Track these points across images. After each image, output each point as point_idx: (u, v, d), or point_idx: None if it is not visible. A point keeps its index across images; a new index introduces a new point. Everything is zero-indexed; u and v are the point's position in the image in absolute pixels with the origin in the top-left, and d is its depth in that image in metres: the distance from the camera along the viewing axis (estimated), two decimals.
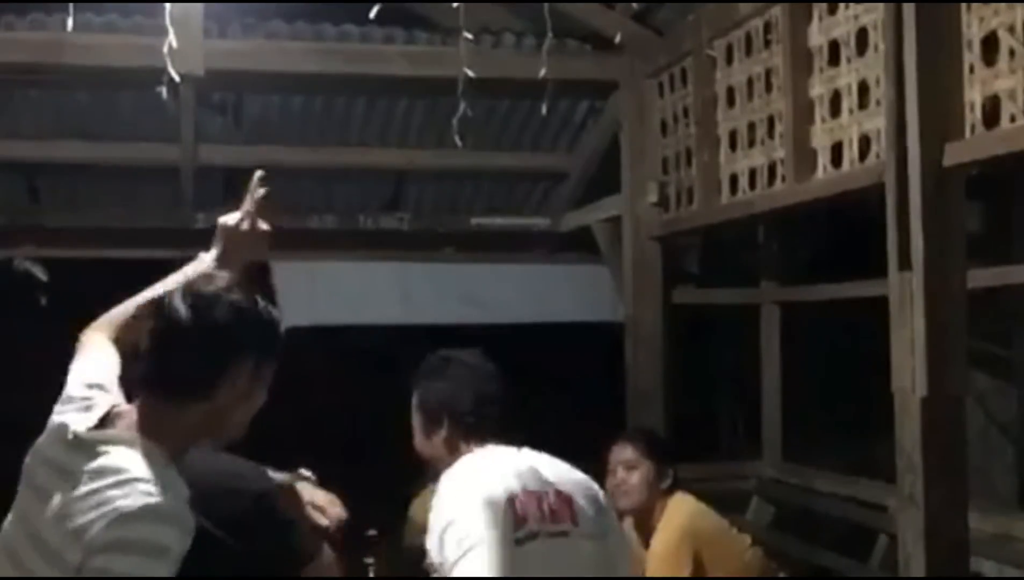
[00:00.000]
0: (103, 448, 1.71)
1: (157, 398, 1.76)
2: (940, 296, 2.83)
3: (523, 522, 2.29)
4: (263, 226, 2.15)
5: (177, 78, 4.00)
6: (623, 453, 3.55)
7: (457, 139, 4.29)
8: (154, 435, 1.73)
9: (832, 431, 6.42)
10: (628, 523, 3.62)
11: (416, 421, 2.59)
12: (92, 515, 1.62)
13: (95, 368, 1.91)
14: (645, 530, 3.52)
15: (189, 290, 1.78)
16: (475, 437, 2.50)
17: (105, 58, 4.35)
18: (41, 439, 1.82)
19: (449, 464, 2.48)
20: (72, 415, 1.79)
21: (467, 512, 2.27)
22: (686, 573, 3.40)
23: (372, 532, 3.92)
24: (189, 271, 2.09)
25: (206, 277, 1.86)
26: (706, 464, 5.62)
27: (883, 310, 2.98)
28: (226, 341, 1.77)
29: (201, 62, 4.26)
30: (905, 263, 2.88)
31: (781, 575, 4.03)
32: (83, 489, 1.65)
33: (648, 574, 3.43)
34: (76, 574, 1.61)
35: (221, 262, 2.08)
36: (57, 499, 1.68)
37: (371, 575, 3.81)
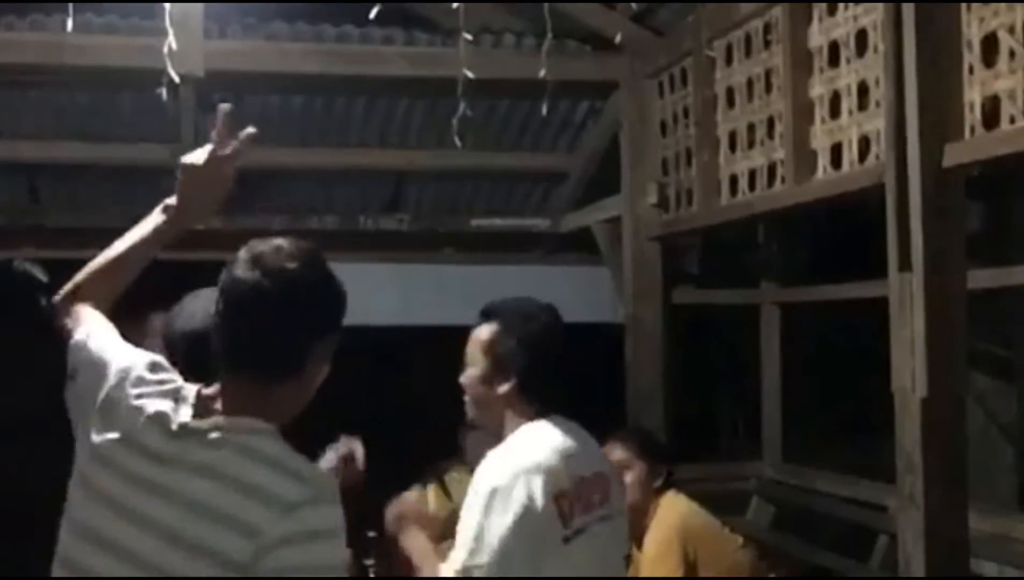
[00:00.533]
0: (219, 436, 1.64)
1: (247, 377, 1.69)
2: (940, 296, 2.83)
3: (571, 518, 2.28)
4: (227, 167, 1.96)
5: (177, 79, 4.00)
6: (614, 454, 3.50)
7: (457, 140, 4.29)
8: (259, 416, 1.67)
9: (832, 431, 6.42)
10: None
11: (480, 360, 2.43)
12: (260, 509, 1.56)
13: (134, 347, 1.85)
14: (637, 530, 3.48)
15: (258, 261, 1.69)
16: (539, 405, 2.40)
17: (105, 59, 4.34)
18: (128, 429, 1.69)
19: (498, 421, 2.40)
20: (158, 402, 1.71)
21: (517, 506, 2.21)
22: (679, 574, 3.40)
23: (372, 532, 3.92)
24: (151, 224, 2.02)
25: (263, 242, 1.74)
26: (706, 464, 5.63)
27: (883, 310, 2.98)
28: (315, 316, 1.74)
29: (201, 63, 4.26)
30: (905, 264, 2.88)
31: (772, 575, 4.03)
32: (230, 481, 1.59)
33: (641, 574, 3.43)
34: (245, 571, 1.54)
35: (181, 208, 1.98)
36: (193, 492, 1.60)
37: (371, 575, 3.81)
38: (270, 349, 1.69)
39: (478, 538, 2.21)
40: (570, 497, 2.29)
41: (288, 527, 1.56)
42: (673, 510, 3.52)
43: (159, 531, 1.60)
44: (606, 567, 2.42)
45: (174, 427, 1.67)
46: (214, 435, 1.65)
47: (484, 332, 2.45)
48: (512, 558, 2.21)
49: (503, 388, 2.40)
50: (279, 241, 1.74)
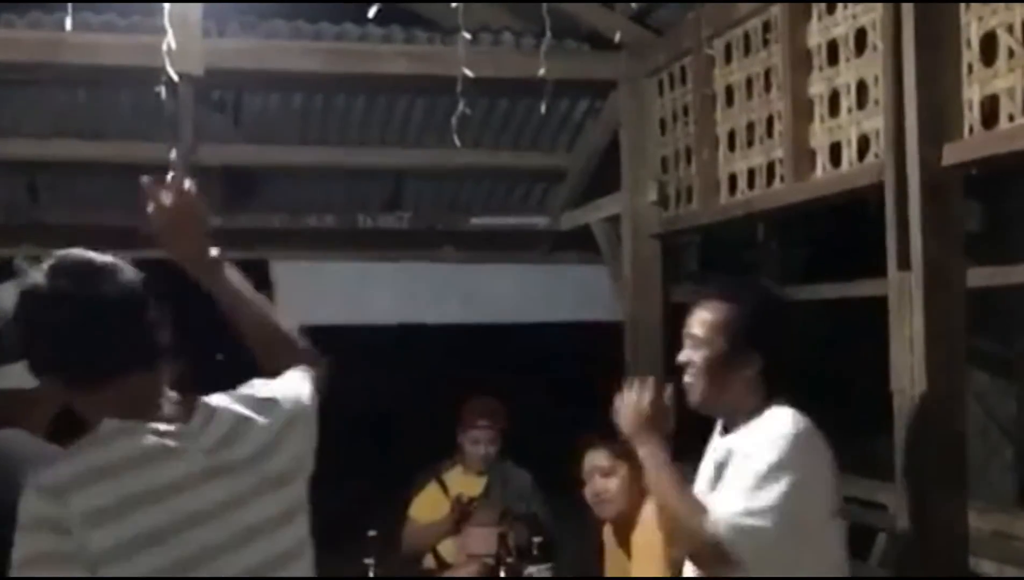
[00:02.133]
0: None
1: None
2: (939, 295, 2.83)
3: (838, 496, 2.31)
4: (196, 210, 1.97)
5: (176, 77, 4.00)
6: (599, 459, 3.47)
7: (456, 138, 4.29)
8: None
9: (831, 431, 6.41)
10: (608, 531, 3.59)
11: (716, 341, 2.33)
12: None
13: None
14: (625, 535, 3.46)
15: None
16: (776, 391, 2.33)
17: (104, 57, 4.34)
18: None
19: (734, 405, 2.33)
20: None
21: (812, 479, 2.22)
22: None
23: (372, 532, 3.92)
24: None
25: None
26: None
27: (882, 310, 2.98)
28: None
29: (200, 61, 4.26)
30: (904, 263, 2.88)
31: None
32: None
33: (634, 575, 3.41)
34: None
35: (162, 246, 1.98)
36: None
37: (371, 575, 3.82)
38: None
39: (765, 481, 2.16)
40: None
41: None
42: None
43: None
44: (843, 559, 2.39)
45: None
46: None
47: (720, 311, 2.36)
48: (792, 516, 2.17)
49: (748, 370, 2.32)
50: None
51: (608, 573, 3.63)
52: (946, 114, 2.84)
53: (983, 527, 3.54)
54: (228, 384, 1.89)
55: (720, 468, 2.36)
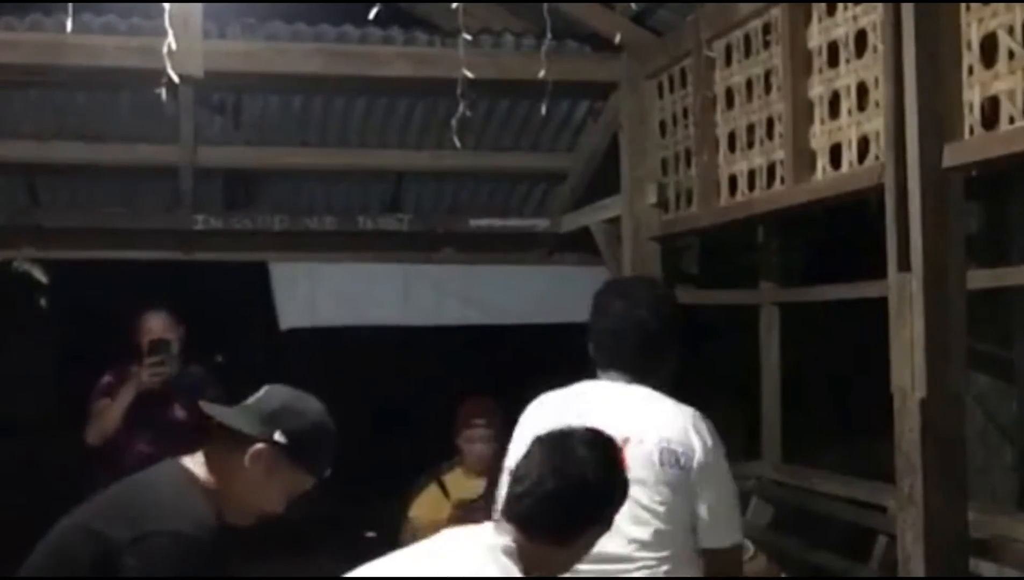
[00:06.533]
0: None
1: None
2: (940, 297, 2.83)
3: None
4: None
5: (176, 79, 4.00)
6: None
7: (456, 140, 4.29)
8: None
9: (831, 431, 6.42)
10: None
11: None
12: None
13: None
14: None
15: None
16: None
17: (104, 59, 4.34)
18: None
19: None
20: None
21: None
22: None
23: (371, 534, 3.92)
24: None
25: None
26: None
27: (883, 310, 2.98)
28: None
29: (200, 63, 4.26)
30: (904, 264, 2.88)
31: (783, 576, 4.03)
32: None
33: None
34: None
35: None
36: None
37: None
38: None
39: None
40: None
41: None
42: None
43: None
44: None
45: None
46: None
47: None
48: None
49: None
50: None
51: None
52: (946, 116, 2.84)
53: (983, 529, 3.55)
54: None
55: None
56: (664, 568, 2.50)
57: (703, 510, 2.53)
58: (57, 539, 2.19)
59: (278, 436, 2.21)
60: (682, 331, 2.74)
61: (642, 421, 2.56)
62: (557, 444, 2.16)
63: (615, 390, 2.67)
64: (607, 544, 2.29)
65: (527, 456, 2.18)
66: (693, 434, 2.55)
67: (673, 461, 2.52)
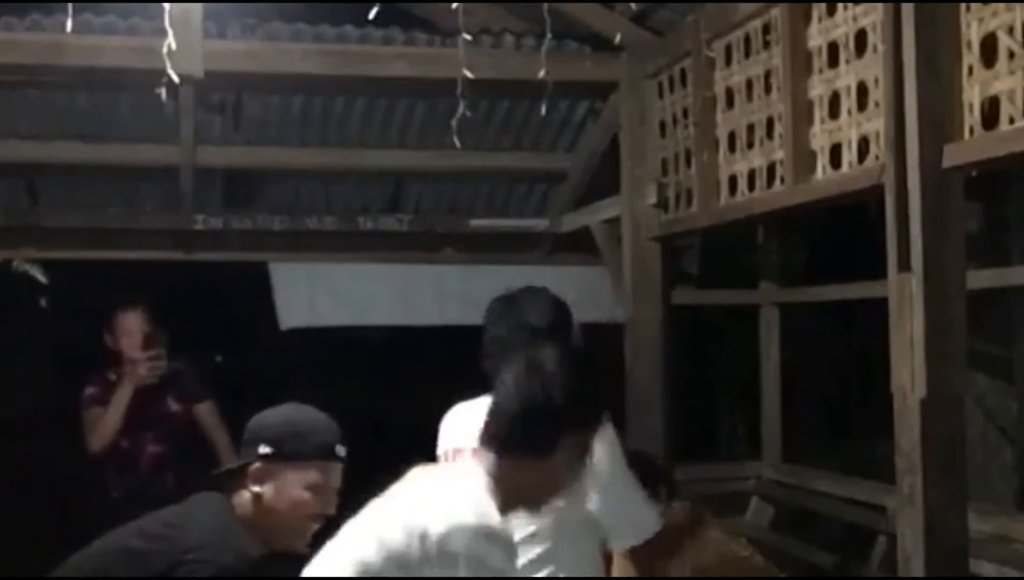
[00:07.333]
0: None
1: None
2: (940, 297, 2.83)
3: None
4: None
5: (176, 79, 3.99)
6: None
7: (456, 140, 4.29)
8: None
9: (831, 432, 6.42)
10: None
11: None
12: None
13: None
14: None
15: None
16: None
17: (104, 59, 4.34)
18: None
19: None
20: None
21: None
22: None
23: None
24: None
25: None
26: (706, 464, 5.63)
27: (883, 311, 2.98)
28: None
29: (200, 63, 4.26)
30: (904, 264, 2.88)
31: (783, 576, 4.02)
32: None
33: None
34: None
35: None
36: None
37: None
38: None
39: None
40: None
41: None
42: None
43: None
44: None
45: None
46: None
47: None
48: None
49: None
50: None
51: (615, 573, 3.62)
52: (946, 116, 2.84)
53: (983, 529, 3.55)
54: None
55: None
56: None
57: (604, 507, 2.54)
58: (97, 560, 2.26)
59: (262, 448, 2.31)
60: (574, 337, 2.73)
61: None
62: (520, 365, 2.16)
63: None
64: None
65: (496, 386, 2.18)
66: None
67: None
